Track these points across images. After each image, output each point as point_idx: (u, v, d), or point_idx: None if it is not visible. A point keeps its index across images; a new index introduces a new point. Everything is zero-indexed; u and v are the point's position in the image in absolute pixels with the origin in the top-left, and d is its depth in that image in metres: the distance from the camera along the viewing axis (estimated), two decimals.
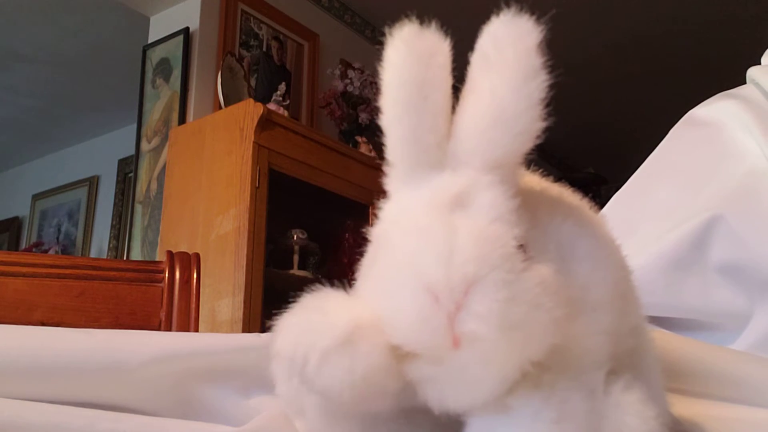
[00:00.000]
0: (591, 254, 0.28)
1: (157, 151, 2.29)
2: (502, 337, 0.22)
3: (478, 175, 0.26)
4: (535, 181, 0.30)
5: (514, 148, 0.25)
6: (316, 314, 0.25)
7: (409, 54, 0.26)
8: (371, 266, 0.27)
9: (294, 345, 0.24)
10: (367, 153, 2.37)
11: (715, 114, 0.63)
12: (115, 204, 3.57)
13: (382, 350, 0.24)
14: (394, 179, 0.28)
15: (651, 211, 0.62)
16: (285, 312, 0.27)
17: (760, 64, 0.69)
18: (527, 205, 0.27)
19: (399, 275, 0.24)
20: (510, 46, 0.25)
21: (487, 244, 0.23)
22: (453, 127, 0.26)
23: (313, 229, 2.22)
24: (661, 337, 0.44)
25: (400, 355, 0.24)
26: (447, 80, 0.26)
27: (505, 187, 0.26)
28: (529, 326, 0.23)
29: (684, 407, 0.38)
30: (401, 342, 0.24)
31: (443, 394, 0.24)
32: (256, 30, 2.51)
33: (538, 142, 0.26)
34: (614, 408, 0.26)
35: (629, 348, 0.29)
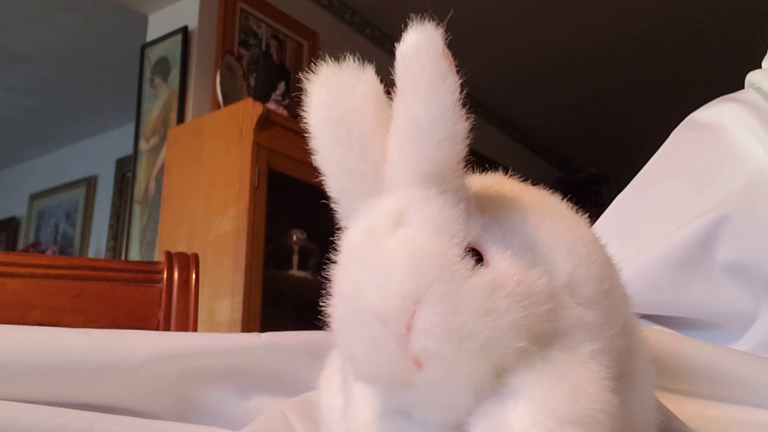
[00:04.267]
0: (572, 253, 0.28)
1: (156, 150, 2.29)
2: (457, 349, 0.22)
3: (413, 191, 0.25)
4: (493, 182, 0.30)
5: (441, 157, 0.25)
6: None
7: (326, 92, 0.27)
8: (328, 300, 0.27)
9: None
10: None
11: (717, 116, 0.63)
12: (113, 204, 3.56)
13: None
14: (342, 215, 0.28)
15: (655, 211, 0.62)
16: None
17: (760, 67, 0.69)
18: (482, 206, 0.27)
19: (346, 308, 0.24)
20: (414, 59, 0.25)
21: (423, 258, 0.23)
22: (387, 150, 0.26)
23: (312, 229, 2.22)
24: (660, 336, 0.44)
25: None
26: (372, 108, 0.27)
27: (446, 196, 0.25)
28: (482, 333, 0.22)
29: (682, 407, 0.38)
30: (363, 375, 0.24)
31: (428, 414, 0.24)
32: (255, 29, 2.51)
33: (469, 144, 0.25)
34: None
35: (623, 348, 0.29)
